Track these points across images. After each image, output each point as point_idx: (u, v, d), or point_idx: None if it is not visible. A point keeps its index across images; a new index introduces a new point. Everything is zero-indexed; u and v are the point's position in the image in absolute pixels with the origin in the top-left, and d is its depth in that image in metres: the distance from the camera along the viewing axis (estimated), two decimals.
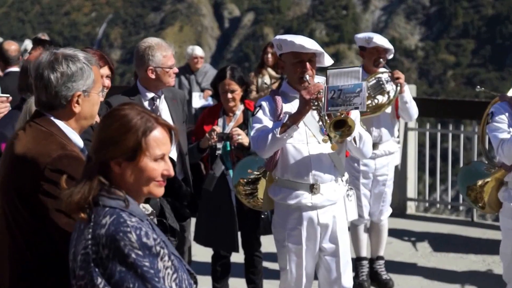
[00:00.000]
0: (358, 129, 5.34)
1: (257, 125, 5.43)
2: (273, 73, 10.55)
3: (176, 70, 5.97)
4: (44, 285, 3.29)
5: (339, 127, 5.13)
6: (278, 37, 5.49)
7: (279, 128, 5.23)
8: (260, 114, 5.48)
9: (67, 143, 3.36)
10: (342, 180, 5.58)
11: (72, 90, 3.39)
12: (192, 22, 69.30)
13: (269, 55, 10.59)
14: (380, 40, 7.24)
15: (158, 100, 5.99)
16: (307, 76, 5.36)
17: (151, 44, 5.92)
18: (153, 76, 5.89)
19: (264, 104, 5.52)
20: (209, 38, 67.68)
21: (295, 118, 5.23)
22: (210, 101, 11.89)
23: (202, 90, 12.48)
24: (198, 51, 12.94)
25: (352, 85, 5.17)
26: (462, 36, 63.68)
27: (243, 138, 6.29)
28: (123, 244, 2.79)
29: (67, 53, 3.41)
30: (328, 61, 5.47)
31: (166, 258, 2.87)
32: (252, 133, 5.47)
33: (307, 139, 5.44)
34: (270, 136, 5.25)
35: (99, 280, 2.79)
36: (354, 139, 5.34)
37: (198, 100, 12.18)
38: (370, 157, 7.14)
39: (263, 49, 10.83)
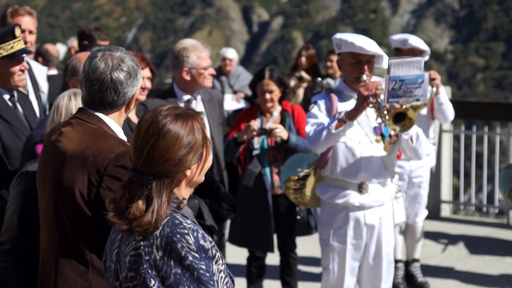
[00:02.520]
0: (415, 129, 5.31)
1: (312, 120, 5.42)
2: (306, 76, 10.53)
3: (212, 71, 5.96)
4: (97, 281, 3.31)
5: (398, 121, 5.08)
6: (338, 36, 5.46)
7: (335, 124, 5.21)
8: (315, 110, 5.47)
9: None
10: (391, 182, 5.54)
11: (135, 87, 3.47)
12: (221, 26, 69.35)
13: (303, 58, 10.59)
14: (416, 42, 7.22)
15: (193, 102, 5.99)
16: (364, 77, 5.33)
17: (186, 45, 5.93)
18: (188, 78, 5.89)
19: (319, 101, 5.51)
20: (238, 42, 67.64)
21: (352, 115, 5.22)
22: (242, 104, 11.87)
23: (235, 93, 12.46)
24: (228, 53, 12.83)
25: (414, 75, 5.13)
26: (492, 39, 63.20)
27: (281, 132, 6.27)
28: (180, 246, 2.74)
29: (121, 54, 3.45)
30: (386, 63, 5.42)
31: (220, 261, 2.83)
32: (306, 128, 5.46)
33: (359, 138, 5.42)
34: (325, 131, 5.24)
35: (153, 282, 2.75)
36: (411, 138, 5.30)
37: (231, 103, 12.14)
38: (404, 159, 7.12)
39: (298, 52, 10.85)
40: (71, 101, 3.96)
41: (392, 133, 5.31)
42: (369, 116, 5.40)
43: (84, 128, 3.41)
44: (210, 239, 2.84)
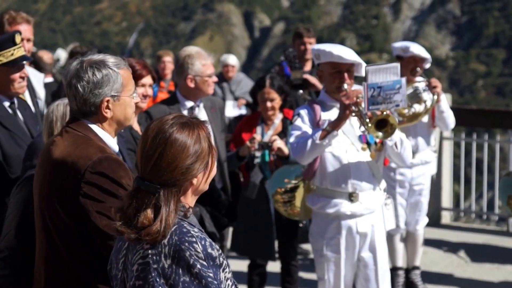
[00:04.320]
0: (399, 134, 5.34)
1: (296, 132, 5.45)
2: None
3: (215, 79, 5.99)
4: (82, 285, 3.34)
5: (381, 127, 5.12)
6: (316, 47, 5.51)
7: (319, 134, 5.24)
8: (299, 122, 5.49)
9: (105, 146, 3.42)
10: (380, 189, 5.57)
11: (99, 96, 3.43)
12: (222, 32, 69.47)
13: None
14: (417, 49, 7.23)
15: (196, 109, 6.02)
16: (345, 86, 5.36)
17: (190, 52, 5.95)
18: (192, 85, 5.91)
19: (302, 112, 5.53)
20: (239, 47, 67.71)
21: (335, 124, 5.24)
22: (244, 110, 11.87)
23: (236, 99, 12.45)
24: (230, 59, 12.79)
25: (392, 81, 5.17)
26: (493, 45, 63.29)
27: (283, 148, 6.29)
28: (188, 254, 2.76)
29: (93, 60, 3.44)
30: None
31: (227, 269, 2.86)
32: (291, 140, 5.48)
33: (346, 147, 5.44)
34: (309, 142, 5.26)
35: None
36: (396, 144, 5.33)
37: (232, 109, 12.13)
38: (406, 167, 7.13)
39: None
40: (54, 111, 3.99)
41: (377, 140, 5.35)
42: (354, 125, 5.44)
43: (71, 136, 3.44)
44: (217, 247, 2.87)
